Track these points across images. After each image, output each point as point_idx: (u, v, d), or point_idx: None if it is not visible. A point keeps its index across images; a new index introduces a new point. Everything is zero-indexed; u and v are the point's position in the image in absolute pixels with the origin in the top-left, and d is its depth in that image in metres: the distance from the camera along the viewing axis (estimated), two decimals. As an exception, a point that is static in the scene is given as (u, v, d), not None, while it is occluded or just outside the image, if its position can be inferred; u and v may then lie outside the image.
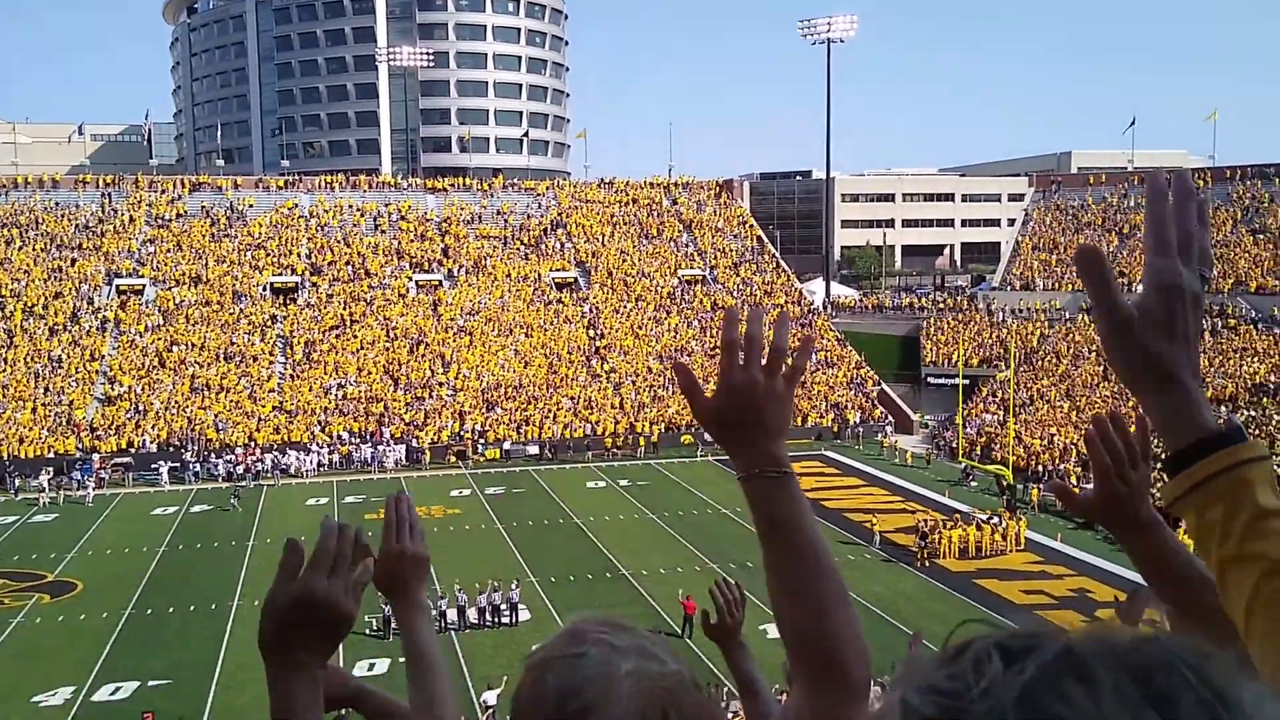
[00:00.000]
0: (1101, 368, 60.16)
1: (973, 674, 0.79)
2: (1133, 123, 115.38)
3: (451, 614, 30.46)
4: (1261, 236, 68.85)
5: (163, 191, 73.26)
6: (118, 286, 63.99)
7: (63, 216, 68.83)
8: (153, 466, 49.65)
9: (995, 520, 39.49)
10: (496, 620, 30.79)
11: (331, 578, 1.96)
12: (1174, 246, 1.39)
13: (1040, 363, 63.20)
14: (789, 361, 1.77)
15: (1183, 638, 0.79)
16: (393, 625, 29.10)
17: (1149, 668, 0.75)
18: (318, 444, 52.87)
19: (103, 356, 58.21)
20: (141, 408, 54.32)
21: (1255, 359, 56.48)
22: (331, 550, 1.98)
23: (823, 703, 1.67)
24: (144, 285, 64.51)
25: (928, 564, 36.31)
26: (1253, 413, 50.69)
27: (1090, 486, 1.98)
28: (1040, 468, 48.62)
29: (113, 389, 55.67)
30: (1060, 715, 0.73)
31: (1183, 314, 1.37)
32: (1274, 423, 48.74)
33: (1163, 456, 1.43)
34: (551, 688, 1.48)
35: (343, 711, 2.84)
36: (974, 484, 48.47)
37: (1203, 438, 1.34)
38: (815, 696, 1.68)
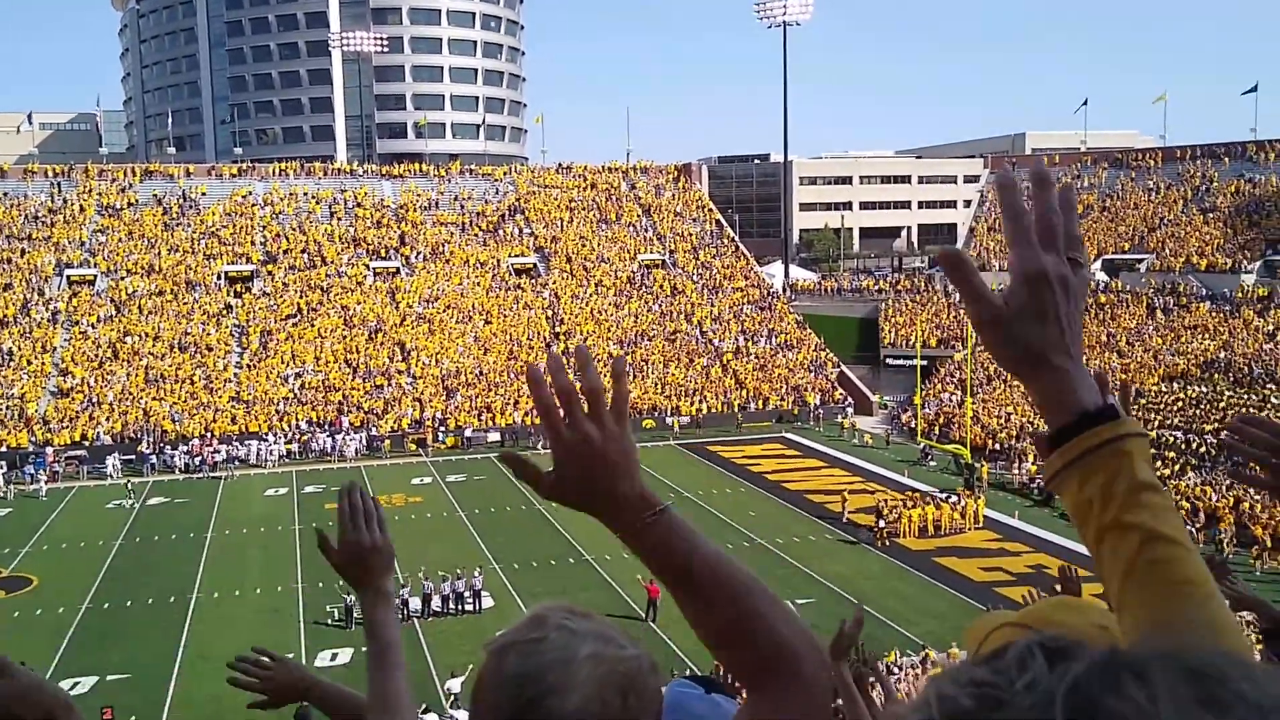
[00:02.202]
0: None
1: (1016, 670, 0.78)
2: (1085, 103, 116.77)
3: (415, 602, 30.37)
4: (1211, 215, 69.85)
5: (113, 180, 72.14)
6: (69, 277, 63.02)
7: (11, 206, 67.60)
8: (106, 459, 48.97)
9: (954, 499, 39.93)
10: (460, 608, 30.75)
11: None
12: (1032, 234, 1.41)
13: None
14: (609, 396, 1.63)
15: (1228, 650, 0.79)
16: (355, 615, 29.00)
17: (1201, 670, 0.74)
18: (276, 434, 52.42)
19: (54, 348, 57.34)
20: (95, 400, 53.58)
21: (1206, 335, 57.34)
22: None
23: (785, 706, 1.62)
24: (95, 276, 63.57)
25: (888, 543, 36.64)
26: (1204, 388, 51.52)
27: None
28: (998, 446, 49.17)
29: (65, 381, 54.87)
30: (1113, 707, 0.72)
31: (1052, 300, 1.38)
32: (1225, 399, 49.54)
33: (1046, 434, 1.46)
34: (511, 672, 1.49)
35: (302, 704, 2.90)
36: (933, 463, 48.93)
37: (1083, 413, 1.37)
38: (774, 701, 1.63)
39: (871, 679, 4.42)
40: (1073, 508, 1.38)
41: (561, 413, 1.60)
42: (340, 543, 2.54)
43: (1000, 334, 1.40)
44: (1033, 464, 45.81)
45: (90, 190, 70.45)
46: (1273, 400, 48.28)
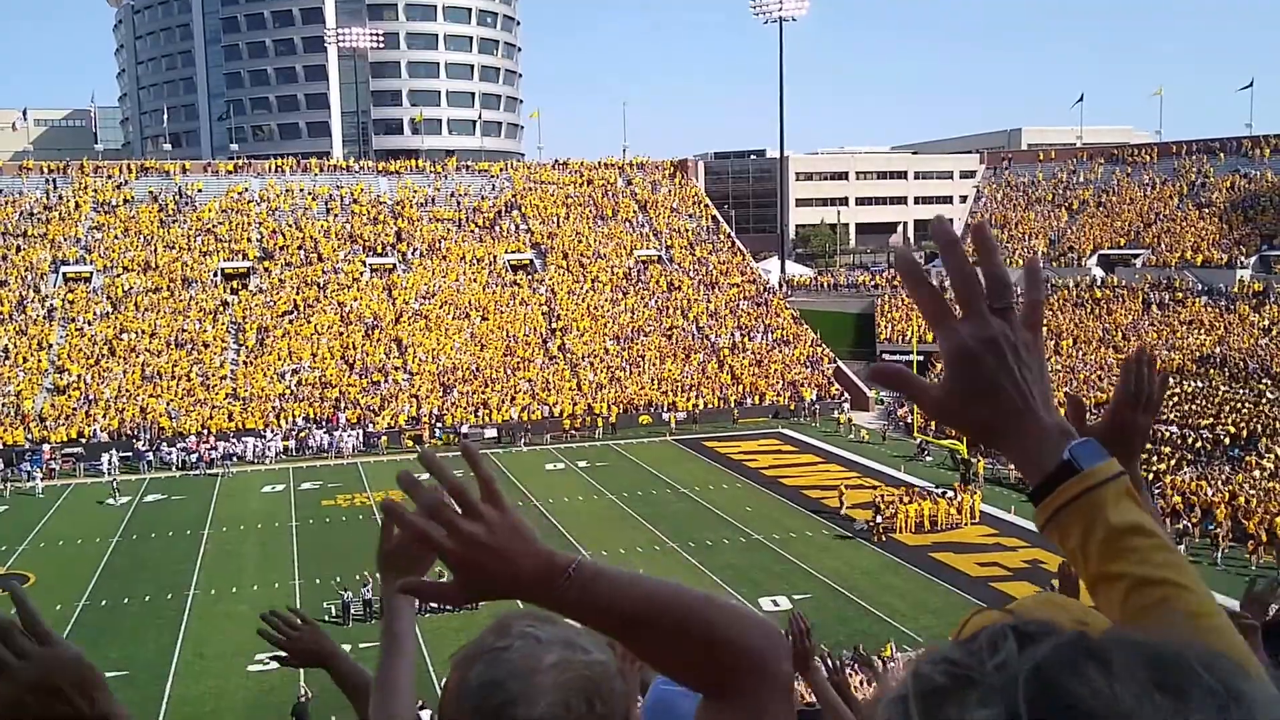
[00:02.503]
0: (1052, 342, 60.96)
1: (988, 651, 0.81)
2: (1080, 99, 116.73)
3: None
4: (1207, 210, 69.91)
5: (109, 177, 72.01)
6: (65, 274, 62.93)
7: (6, 203, 67.47)
8: (103, 456, 48.89)
9: (950, 494, 39.99)
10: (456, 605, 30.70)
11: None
12: (945, 308, 1.36)
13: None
14: (487, 484, 1.57)
15: (1194, 640, 0.81)
16: (352, 612, 29.04)
17: (1162, 657, 0.77)
18: (273, 430, 52.39)
19: (50, 345, 57.27)
20: (92, 397, 53.54)
21: (1201, 330, 57.44)
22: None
23: (756, 704, 1.56)
24: (91, 273, 63.47)
25: (884, 539, 36.68)
26: (1199, 383, 51.59)
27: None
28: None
29: (62, 378, 54.81)
30: (1071, 689, 0.75)
31: (989, 370, 1.33)
32: (1220, 394, 49.62)
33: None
34: (476, 682, 1.50)
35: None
36: (929, 459, 48.98)
37: (1050, 473, 1.34)
38: (746, 705, 1.56)
39: (861, 675, 4.48)
40: (1067, 558, 1.38)
41: (439, 530, 1.50)
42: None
43: (953, 419, 1.38)
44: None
45: (86, 187, 70.32)
46: (1268, 395, 48.39)
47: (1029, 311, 1.39)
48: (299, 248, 68.24)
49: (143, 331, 58.86)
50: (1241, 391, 49.66)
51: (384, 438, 52.69)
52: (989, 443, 1.39)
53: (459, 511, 1.52)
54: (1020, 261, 71.10)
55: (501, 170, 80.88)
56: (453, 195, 76.08)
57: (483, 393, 56.99)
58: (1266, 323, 56.39)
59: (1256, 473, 40.94)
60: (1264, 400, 47.95)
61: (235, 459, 49.97)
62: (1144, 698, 0.74)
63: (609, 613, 1.52)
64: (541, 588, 1.50)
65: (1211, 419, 46.83)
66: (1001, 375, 1.33)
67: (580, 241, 73.07)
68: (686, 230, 76.87)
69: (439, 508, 1.53)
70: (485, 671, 1.50)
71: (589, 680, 1.52)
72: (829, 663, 5.39)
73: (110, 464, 47.68)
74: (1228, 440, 44.66)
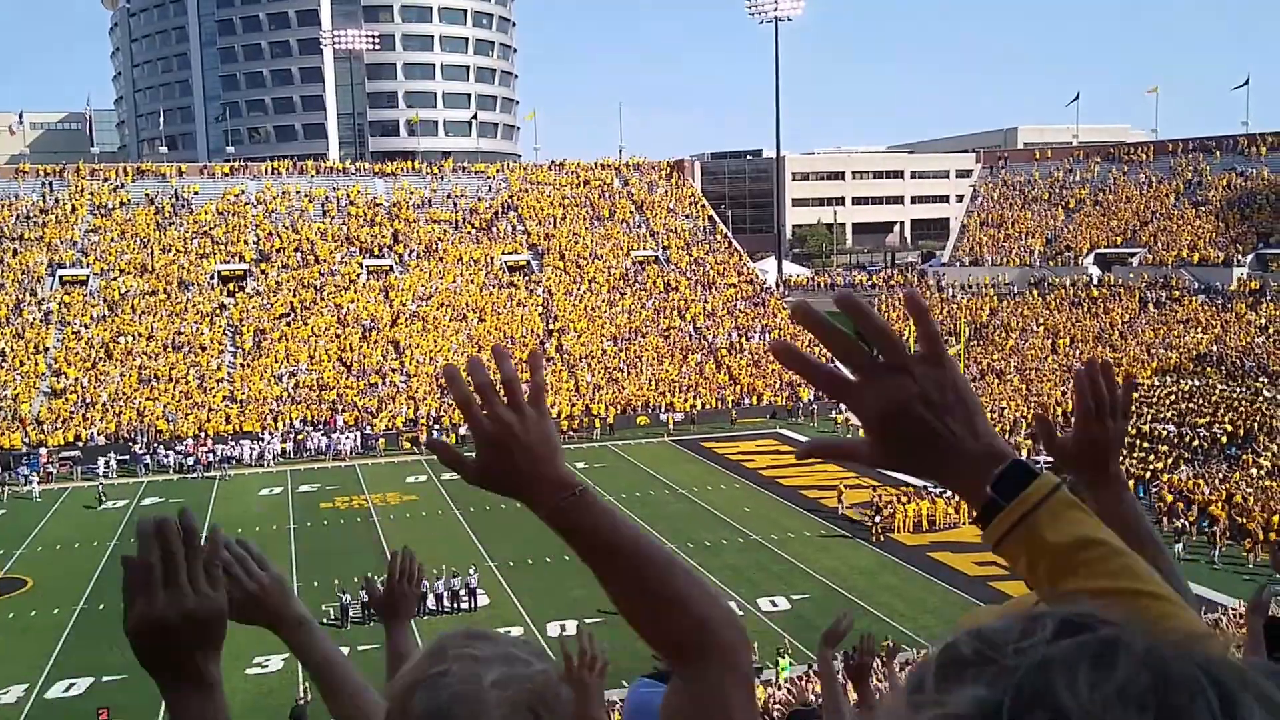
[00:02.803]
0: (1049, 341, 61.02)
1: (1020, 633, 0.81)
2: (1077, 97, 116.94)
3: (410, 600, 30.32)
4: (1203, 209, 69.99)
5: (105, 180, 71.98)
6: (61, 277, 62.87)
7: (3, 207, 67.42)
8: (101, 459, 48.86)
9: (948, 493, 39.98)
10: (455, 605, 30.74)
11: (168, 589, 1.73)
12: (843, 382, 1.38)
13: (990, 337, 63.98)
14: (527, 386, 1.67)
15: (1234, 657, 0.80)
16: (350, 615, 29.03)
17: (1168, 672, 0.76)
18: (270, 433, 52.35)
19: (47, 349, 57.21)
20: (88, 400, 53.48)
21: (1198, 329, 57.50)
22: (154, 559, 1.72)
23: (709, 679, 1.61)
24: (88, 276, 63.42)
25: (882, 538, 36.69)
26: (1196, 382, 51.63)
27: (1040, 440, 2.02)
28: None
29: (58, 382, 54.74)
30: (1057, 693, 0.75)
31: (905, 425, 1.35)
32: (1217, 392, 49.66)
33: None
34: (418, 712, 1.48)
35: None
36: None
37: (984, 506, 1.34)
38: (699, 675, 1.62)
39: (876, 668, 4.45)
40: (1022, 580, 1.38)
41: (480, 404, 1.63)
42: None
43: (891, 469, 1.40)
44: (1027, 456, 45.84)
45: (82, 190, 70.27)
46: (1265, 393, 48.43)
47: (926, 348, 1.39)
48: (295, 250, 68.20)
49: (139, 334, 58.81)
50: (1238, 390, 49.70)
51: (382, 439, 52.64)
52: (927, 480, 1.45)
53: (504, 402, 1.65)
54: (1016, 261, 71.14)
55: (498, 171, 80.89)
56: (449, 197, 76.07)
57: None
58: (1263, 321, 56.43)
59: (1253, 471, 40.99)
60: (1260, 398, 47.99)
61: (233, 461, 49.93)
62: (1121, 709, 0.73)
63: (598, 540, 1.63)
64: (547, 494, 1.62)
65: (1208, 417, 46.87)
66: (917, 427, 1.35)
67: (577, 242, 73.07)
68: (683, 231, 76.89)
69: (488, 389, 1.64)
70: (427, 699, 1.48)
71: (531, 693, 1.52)
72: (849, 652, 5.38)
73: (107, 468, 47.65)
74: (1225, 439, 44.70)
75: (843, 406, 1.42)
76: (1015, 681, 0.76)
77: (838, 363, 1.42)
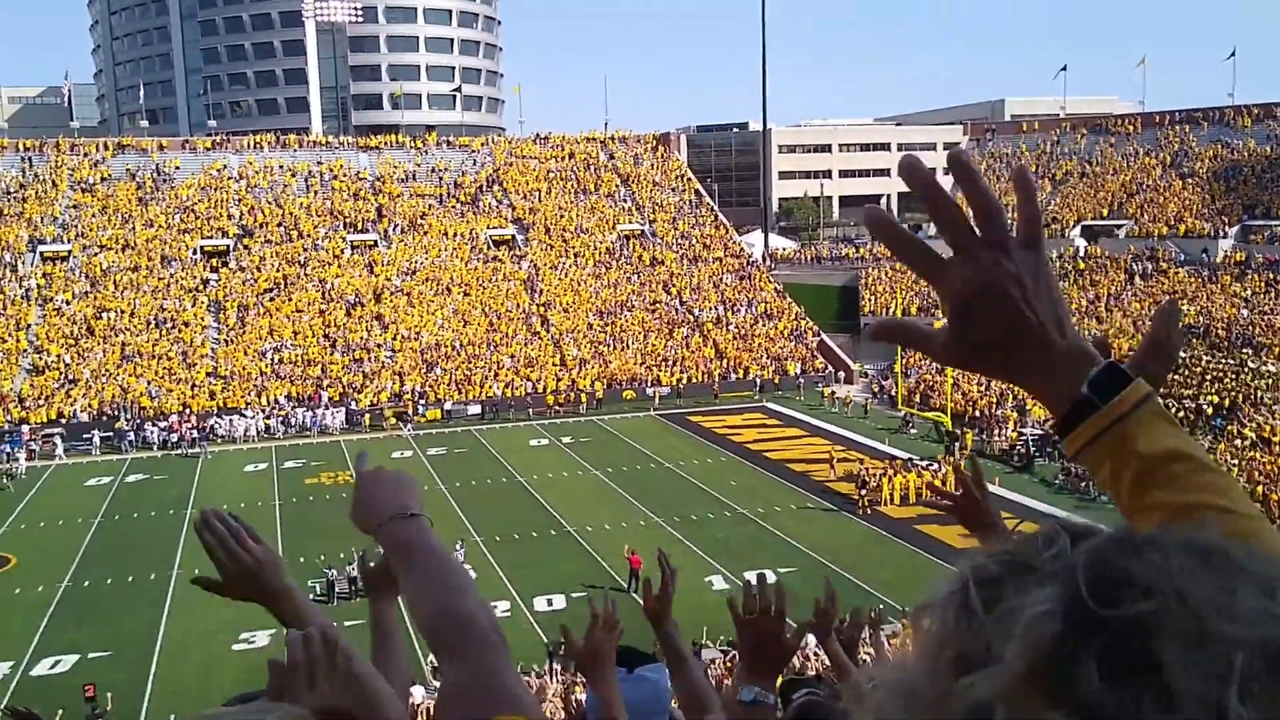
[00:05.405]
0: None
1: (1044, 544, 0.82)
2: (1064, 69, 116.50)
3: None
4: (1190, 180, 70.02)
5: (85, 155, 71.28)
6: (42, 253, 62.30)
7: (-19, 182, 66.72)
8: (85, 437, 48.65)
9: (935, 466, 40.05)
10: (442, 580, 30.64)
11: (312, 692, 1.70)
12: (936, 259, 1.27)
13: (976, 310, 63.95)
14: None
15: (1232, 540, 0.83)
16: (337, 590, 28.98)
17: (1204, 546, 0.79)
18: (254, 409, 52.10)
19: (29, 326, 56.75)
20: (71, 377, 53.11)
21: (1185, 301, 57.58)
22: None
23: (470, 666, 1.85)
24: (69, 251, 62.86)
25: (869, 511, 36.74)
26: (1182, 354, 51.73)
27: (1026, 431, 1.91)
28: (978, 413, 49.33)
29: (40, 359, 54.34)
30: (1128, 567, 0.77)
31: (995, 311, 1.23)
32: (1203, 364, 49.80)
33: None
34: None
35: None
36: (913, 431, 49.06)
37: (1070, 410, 1.26)
38: (466, 667, 1.85)
39: (862, 638, 4.35)
40: (1101, 488, 1.30)
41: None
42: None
43: (964, 365, 1.29)
44: (1013, 430, 45.99)
45: (62, 165, 69.58)
46: (1250, 365, 48.59)
47: (1025, 230, 1.25)
48: (279, 225, 67.71)
49: (122, 310, 58.38)
50: (1224, 362, 49.85)
51: (367, 415, 52.43)
52: (1006, 381, 1.31)
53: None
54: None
55: (483, 145, 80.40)
56: (433, 171, 75.59)
57: (466, 369, 56.79)
58: (1249, 292, 56.57)
59: (1238, 442, 41.13)
60: (1246, 370, 48.15)
61: (218, 438, 49.68)
62: (1196, 573, 0.76)
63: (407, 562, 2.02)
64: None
65: (1194, 389, 47.02)
66: (1007, 314, 1.24)
67: (562, 216, 72.74)
68: (669, 204, 76.61)
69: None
70: None
71: None
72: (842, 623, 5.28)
73: (93, 444, 47.41)
74: (1210, 410, 44.86)
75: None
76: (1077, 574, 0.77)
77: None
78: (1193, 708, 0.70)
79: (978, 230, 1.24)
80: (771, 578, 3.05)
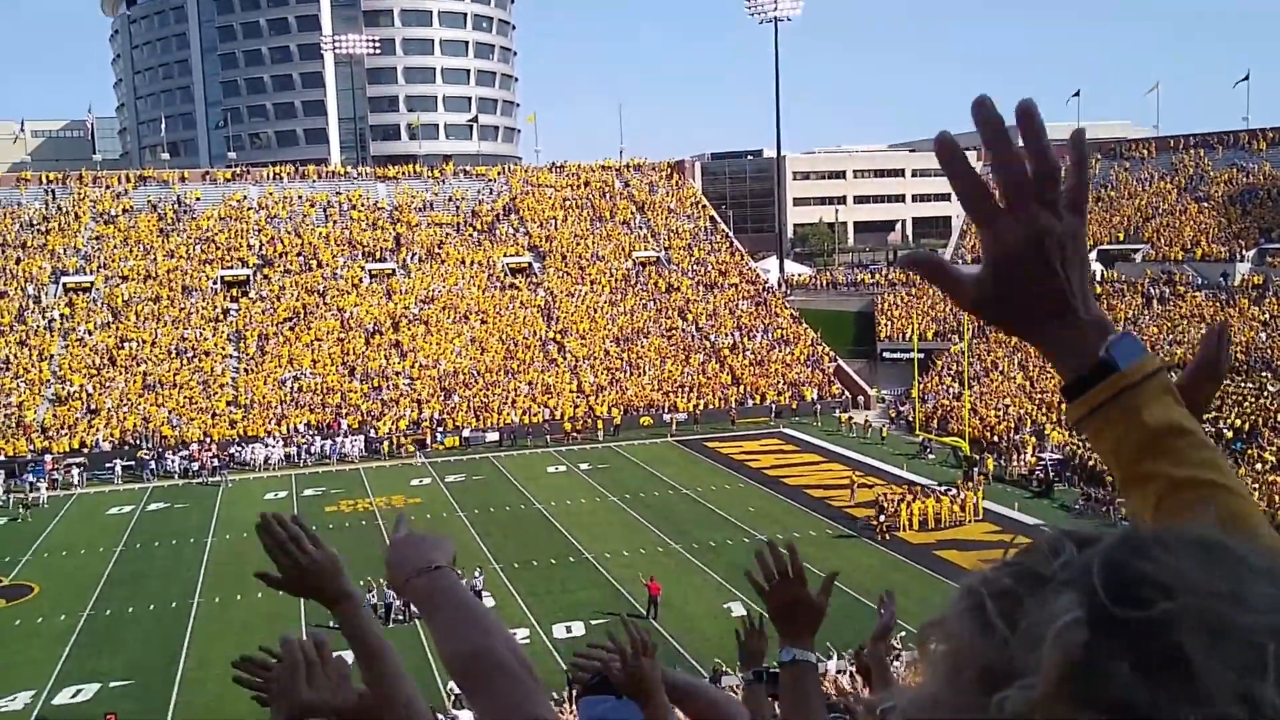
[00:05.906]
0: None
1: (1050, 554, 0.83)
2: (1077, 94, 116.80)
3: (416, 603, 30.32)
4: (1206, 204, 69.90)
5: (108, 187, 72.12)
6: (65, 284, 62.98)
7: (6, 215, 67.56)
8: (107, 465, 49.03)
9: (953, 491, 39.95)
10: (461, 608, 30.68)
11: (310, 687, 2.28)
12: (991, 204, 1.29)
13: (993, 334, 63.86)
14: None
15: (1234, 534, 0.86)
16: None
17: (1207, 543, 0.82)
18: (274, 437, 52.39)
19: (52, 356, 57.31)
20: (93, 407, 53.56)
21: (1203, 324, 57.37)
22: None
23: (497, 701, 1.97)
24: (92, 283, 63.52)
25: (887, 537, 36.66)
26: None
27: (1044, 456, 2.01)
28: (996, 438, 49.21)
29: (63, 389, 54.84)
30: (1142, 569, 0.78)
31: (1035, 267, 1.27)
32: (1222, 387, 49.49)
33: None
34: None
35: None
36: (931, 456, 48.96)
37: (1085, 372, 1.30)
38: (493, 703, 1.97)
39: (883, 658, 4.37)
40: (1099, 453, 1.34)
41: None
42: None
43: (987, 313, 1.33)
44: (1032, 455, 45.85)
45: (85, 197, 70.40)
46: (1269, 389, 48.37)
47: (1073, 195, 1.31)
48: (298, 254, 68.28)
49: (143, 340, 58.91)
50: (1244, 385, 49.63)
51: (386, 443, 52.67)
52: (1023, 336, 1.35)
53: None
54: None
55: (499, 174, 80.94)
56: (450, 200, 76.13)
57: (484, 396, 57.01)
58: (1267, 316, 56.35)
59: (1258, 466, 40.90)
60: (1265, 394, 47.93)
61: (238, 466, 49.98)
62: (1205, 569, 0.78)
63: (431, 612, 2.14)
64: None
65: (1214, 413, 46.83)
66: (1043, 271, 1.27)
67: (578, 244, 73.11)
68: (684, 231, 76.90)
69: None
70: None
71: None
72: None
73: (115, 473, 47.71)
74: (1230, 434, 44.64)
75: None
76: (1093, 579, 0.79)
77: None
78: (1224, 698, 0.71)
79: (1036, 187, 1.29)
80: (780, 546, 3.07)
